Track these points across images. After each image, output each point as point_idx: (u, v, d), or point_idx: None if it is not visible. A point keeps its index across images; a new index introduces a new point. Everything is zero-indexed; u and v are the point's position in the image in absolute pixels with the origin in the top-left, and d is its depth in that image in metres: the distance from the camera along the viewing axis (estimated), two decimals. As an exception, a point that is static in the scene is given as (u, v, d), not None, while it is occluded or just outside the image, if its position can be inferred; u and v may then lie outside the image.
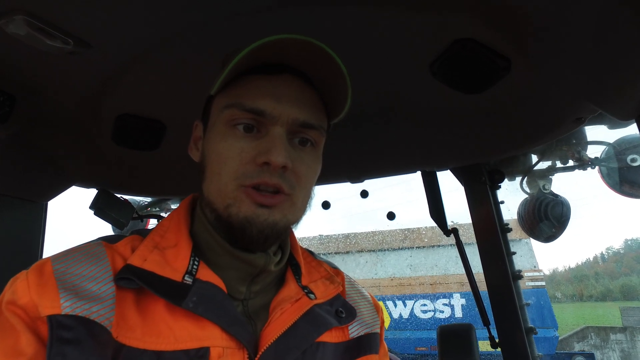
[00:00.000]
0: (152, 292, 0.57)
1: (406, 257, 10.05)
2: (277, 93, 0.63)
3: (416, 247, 10.06)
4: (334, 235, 11.04)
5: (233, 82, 0.65)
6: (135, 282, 0.57)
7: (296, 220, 0.67)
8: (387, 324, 9.05)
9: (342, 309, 0.72)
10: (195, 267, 0.63)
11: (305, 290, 0.70)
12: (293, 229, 0.75)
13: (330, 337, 0.69)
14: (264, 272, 0.67)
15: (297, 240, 0.79)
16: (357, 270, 10.24)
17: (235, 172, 0.61)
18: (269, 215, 0.60)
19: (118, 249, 0.64)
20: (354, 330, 0.74)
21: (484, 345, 1.43)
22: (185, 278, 0.60)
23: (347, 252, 10.66)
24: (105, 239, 0.66)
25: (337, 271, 0.82)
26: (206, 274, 0.62)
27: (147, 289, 0.58)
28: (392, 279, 9.69)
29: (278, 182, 0.60)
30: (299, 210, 0.66)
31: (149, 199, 1.88)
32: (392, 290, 9.47)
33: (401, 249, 10.20)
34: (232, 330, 0.58)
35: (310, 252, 0.82)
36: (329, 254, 10.67)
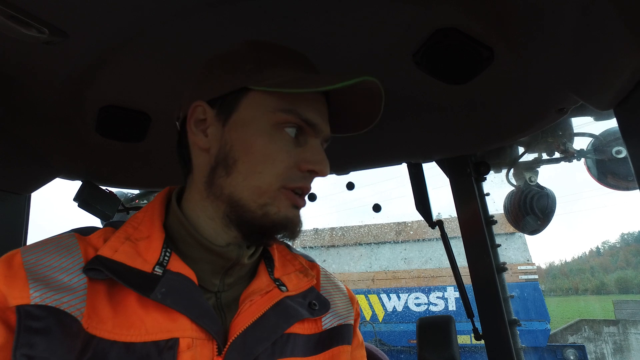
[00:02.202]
0: (121, 282, 0.57)
1: (400, 251, 10.07)
2: (321, 109, 0.68)
3: (411, 241, 10.09)
4: (329, 228, 11.05)
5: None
6: (104, 273, 0.57)
7: None
8: (381, 317, 9.10)
9: (315, 301, 0.73)
10: (166, 258, 0.63)
11: (277, 283, 0.71)
12: None
13: (301, 328, 0.70)
14: (237, 265, 0.68)
15: None
16: (351, 263, 10.27)
17: (281, 174, 0.63)
18: (300, 216, 0.67)
19: (91, 240, 0.63)
20: (327, 321, 0.75)
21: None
22: (156, 269, 0.60)
23: (344, 245, 10.67)
24: (78, 231, 0.66)
25: (312, 264, 0.84)
26: (177, 265, 0.63)
27: (118, 281, 0.57)
28: (386, 272, 9.73)
29: (310, 188, 0.67)
30: None
31: (136, 191, 1.87)
32: (386, 283, 9.51)
33: (395, 242, 10.22)
34: (200, 322, 0.59)
35: (287, 246, 0.83)
36: (324, 247, 10.68)
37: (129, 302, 0.58)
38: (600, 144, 1.31)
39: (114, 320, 0.56)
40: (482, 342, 1.42)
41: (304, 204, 0.66)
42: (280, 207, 0.63)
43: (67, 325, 0.52)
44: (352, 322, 0.79)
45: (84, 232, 0.65)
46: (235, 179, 0.63)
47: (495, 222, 1.45)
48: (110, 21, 0.80)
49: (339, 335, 0.74)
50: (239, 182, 0.63)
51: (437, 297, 8.94)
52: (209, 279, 0.66)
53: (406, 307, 9.07)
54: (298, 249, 0.87)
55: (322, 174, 0.65)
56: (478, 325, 1.43)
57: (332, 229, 10.90)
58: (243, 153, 0.63)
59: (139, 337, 0.56)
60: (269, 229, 0.63)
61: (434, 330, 1.32)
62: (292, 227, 0.65)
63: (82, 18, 0.79)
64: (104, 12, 0.78)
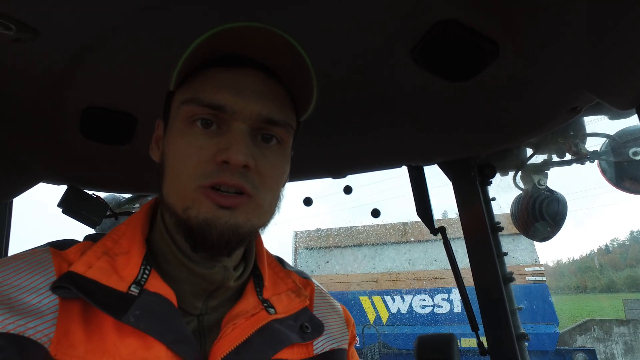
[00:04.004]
0: (91, 303, 0.52)
1: (405, 252, 10.03)
2: (238, 86, 0.60)
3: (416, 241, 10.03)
4: (332, 228, 11.02)
5: (192, 77, 0.62)
6: (73, 291, 0.53)
7: (262, 224, 0.63)
8: (385, 320, 9.06)
9: (308, 323, 0.68)
10: (145, 276, 0.58)
11: (265, 305, 0.65)
12: (260, 234, 0.71)
13: (290, 354, 0.64)
14: (222, 287, 0.63)
15: (264, 248, 0.74)
16: (354, 264, 10.25)
17: (194, 172, 0.57)
18: (230, 217, 0.56)
19: (67, 255, 0.59)
20: (319, 345, 0.69)
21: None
22: (131, 288, 0.56)
23: (347, 246, 10.64)
24: (54, 245, 0.61)
25: (306, 282, 0.79)
26: (156, 284, 0.58)
27: (88, 301, 0.53)
28: (390, 274, 9.68)
29: (239, 182, 0.56)
30: (264, 213, 0.61)
31: (127, 195, 1.82)
32: (390, 285, 9.47)
33: (400, 243, 10.18)
34: (176, 348, 0.54)
35: (280, 261, 0.78)
36: (328, 247, 10.66)
37: (104, 324, 0.54)
38: (616, 144, 1.23)
39: (86, 345, 0.52)
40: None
41: (233, 203, 0.56)
42: (200, 209, 0.56)
43: (30, 355, 0.49)
44: (346, 346, 0.75)
45: (60, 246, 0.61)
46: (165, 186, 0.62)
47: (501, 228, 1.38)
48: (83, 17, 0.76)
49: None
50: (167, 188, 0.61)
51: (443, 299, 8.86)
52: (191, 302, 0.62)
53: (411, 309, 9.00)
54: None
55: (231, 161, 0.55)
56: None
57: (336, 229, 10.88)
58: (168, 158, 0.62)
59: None
60: (195, 233, 0.57)
61: (434, 349, 1.25)
62: (216, 229, 0.56)
63: (52, 14, 0.74)
64: (74, 7, 0.73)
